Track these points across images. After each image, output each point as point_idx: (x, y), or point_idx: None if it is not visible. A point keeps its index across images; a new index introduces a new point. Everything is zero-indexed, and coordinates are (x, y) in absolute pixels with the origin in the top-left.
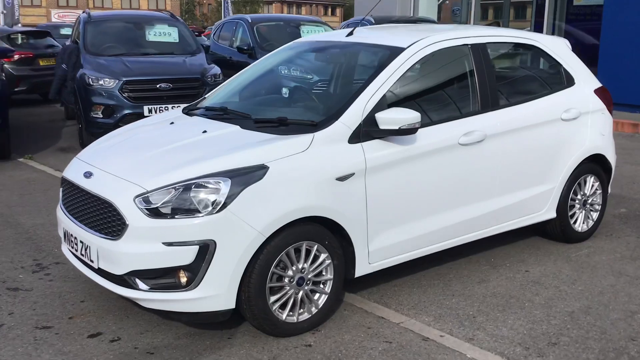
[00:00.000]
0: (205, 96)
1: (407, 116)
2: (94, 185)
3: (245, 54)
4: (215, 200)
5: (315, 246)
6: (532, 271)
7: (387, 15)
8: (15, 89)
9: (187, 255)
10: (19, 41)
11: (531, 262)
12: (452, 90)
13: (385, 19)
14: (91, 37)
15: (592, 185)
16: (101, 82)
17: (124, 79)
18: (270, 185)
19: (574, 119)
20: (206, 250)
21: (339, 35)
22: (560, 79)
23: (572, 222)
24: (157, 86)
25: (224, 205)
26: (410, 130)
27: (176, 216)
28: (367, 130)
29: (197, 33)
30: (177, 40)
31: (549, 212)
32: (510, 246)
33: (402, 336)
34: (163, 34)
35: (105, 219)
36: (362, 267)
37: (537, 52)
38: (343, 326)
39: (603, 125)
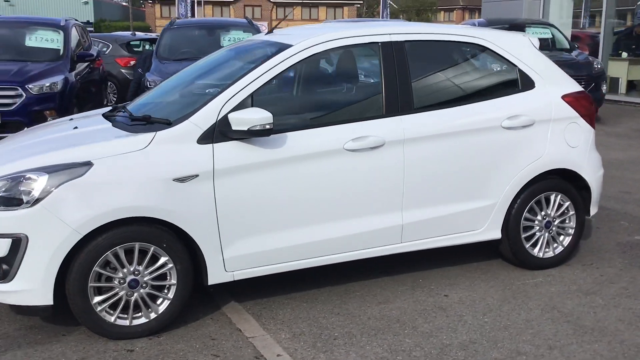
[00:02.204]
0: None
1: (256, 116)
2: None
3: None
4: (31, 194)
5: (152, 248)
6: (452, 296)
7: (510, 17)
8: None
9: (1, 248)
10: (140, 47)
11: (462, 286)
12: (347, 92)
13: (496, 21)
14: (165, 43)
15: (560, 205)
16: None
17: None
18: (92, 182)
19: (523, 127)
20: (19, 243)
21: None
22: (512, 82)
23: (528, 245)
24: None
25: (38, 200)
26: (262, 132)
27: (0, 208)
28: (222, 131)
29: None
30: None
31: (491, 232)
32: (458, 268)
33: (238, 351)
34: (236, 39)
35: None
36: (217, 275)
37: (484, 52)
38: (187, 335)
39: (574, 136)
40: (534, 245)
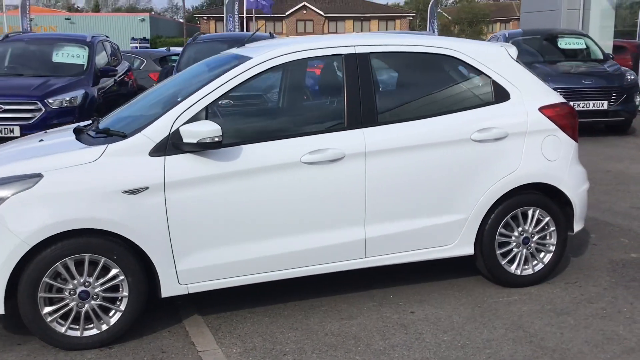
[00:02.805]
0: None
1: (205, 129)
2: None
3: None
4: None
5: (102, 260)
6: (418, 313)
7: (546, 28)
8: None
9: None
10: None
11: (433, 302)
12: (309, 104)
13: (531, 32)
14: (186, 57)
15: (539, 221)
16: None
17: None
18: (41, 194)
19: (496, 140)
20: None
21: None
22: (485, 94)
23: (504, 262)
24: None
25: None
26: (212, 145)
27: None
28: (174, 144)
29: None
30: None
31: (463, 248)
32: (434, 284)
33: None
34: None
35: None
36: (171, 288)
37: (455, 63)
38: (138, 347)
39: (552, 149)
40: (511, 262)
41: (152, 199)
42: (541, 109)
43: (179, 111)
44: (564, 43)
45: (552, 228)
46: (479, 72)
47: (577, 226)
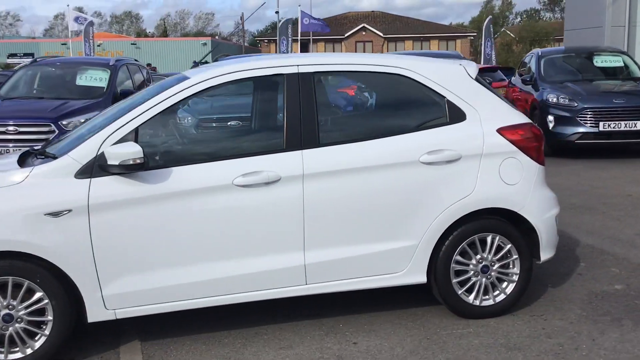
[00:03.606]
0: None
1: (126, 151)
2: None
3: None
4: None
5: (26, 283)
6: (361, 344)
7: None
8: None
9: None
10: None
11: (382, 333)
12: (246, 125)
13: (572, 49)
14: None
15: (499, 248)
16: None
17: None
18: None
19: (448, 162)
20: None
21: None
22: (438, 115)
23: (460, 291)
24: None
25: None
26: (134, 166)
27: None
28: (101, 166)
29: None
30: None
31: (414, 276)
32: (391, 313)
33: None
34: None
35: None
36: (97, 313)
37: (407, 83)
38: None
39: (512, 172)
40: (470, 291)
41: (76, 222)
42: (500, 130)
43: (108, 133)
44: (600, 61)
45: (515, 256)
46: (433, 92)
47: (545, 254)
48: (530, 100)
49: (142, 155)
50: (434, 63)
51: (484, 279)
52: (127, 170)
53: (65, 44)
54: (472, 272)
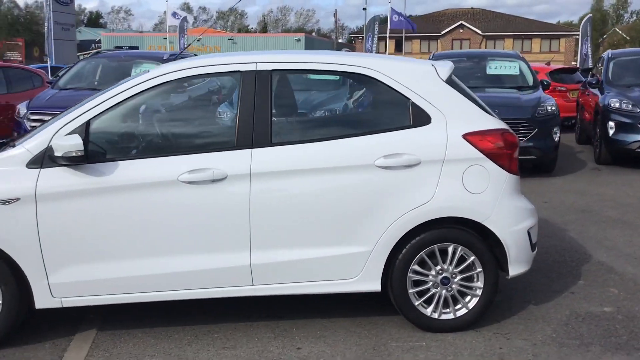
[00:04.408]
0: None
1: (67, 143)
2: None
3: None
4: None
5: None
6: (304, 350)
7: None
8: None
9: None
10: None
11: (330, 340)
12: (198, 122)
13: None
14: None
15: (462, 260)
16: None
17: None
18: None
19: (406, 167)
20: None
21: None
22: (402, 117)
23: (417, 302)
24: None
25: None
26: (76, 158)
27: None
28: (51, 157)
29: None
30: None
31: (367, 283)
32: (351, 320)
33: None
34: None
35: None
36: (44, 300)
37: (370, 83)
38: (4, 357)
39: (476, 180)
40: (429, 303)
41: (24, 210)
42: (466, 136)
43: (60, 125)
44: None
45: (479, 269)
46: (398, 93)
47: (515, 269)
48: (594, 104)
49: (82, 148)
50: (401, 63)
51: (444, 291)
52: (70, 162)
53: (166, 38)
54: (431, 283)
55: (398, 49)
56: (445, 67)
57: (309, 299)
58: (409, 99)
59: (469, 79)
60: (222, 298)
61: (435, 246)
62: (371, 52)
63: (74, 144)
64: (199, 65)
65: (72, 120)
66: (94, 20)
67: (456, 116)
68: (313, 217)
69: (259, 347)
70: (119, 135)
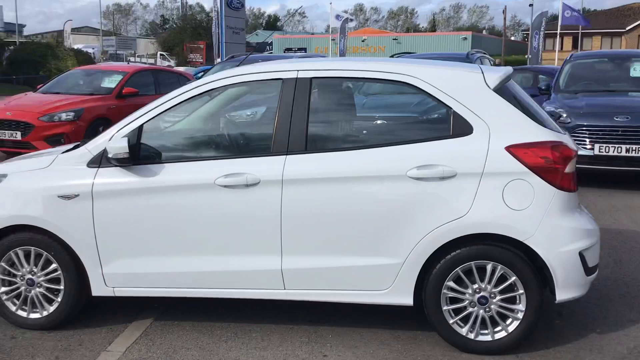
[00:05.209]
0: None
1: (115, 145)
2: None
3: (545, 94)
4: None
5: (44, 254)
6: (331, 357)
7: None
8: None
9: None
10: None
11: (358, 351)
12: (240, 128)
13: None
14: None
15: (502, 279)
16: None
17: None
18: (2, 189)
19: (441, 179)
20: None
21: None
22: (442, 126)
23: (452, 320)
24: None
25: None
26: (124, 160)
27: None
28: (107, 158)
29: None
30: None
31: (399, 296)
32: (391, 332)
33: None
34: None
35: None
36: (99, 288)
37: (412, 91)
38: (60, 335)
39: (519, 196)
40: (465, 322)
41: (82, 205)
42: (509, 148)
43: (117, 128)
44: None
45: (520, 291)
46: (439, 102)
47: (563, 294)
48: None
49: (127, 151)
50: (445, 70)
51: (481, 311)
52: (119, 163)
53: (334, 39)
54: (468, 301)
55: (575, 46)
56: (496, 74)
57: (356, 307)
58: (451, 108)
59: (610, 82)
60: (274, 300)
61: (472, 263)
62: (537, 50)
63: (121, 147)
64: (243, 72)
65: (128, 124)
66: (272, 23)
67: (501, 127)
68: (343, 225)
69: (288, 350)
70: (170, 139)
